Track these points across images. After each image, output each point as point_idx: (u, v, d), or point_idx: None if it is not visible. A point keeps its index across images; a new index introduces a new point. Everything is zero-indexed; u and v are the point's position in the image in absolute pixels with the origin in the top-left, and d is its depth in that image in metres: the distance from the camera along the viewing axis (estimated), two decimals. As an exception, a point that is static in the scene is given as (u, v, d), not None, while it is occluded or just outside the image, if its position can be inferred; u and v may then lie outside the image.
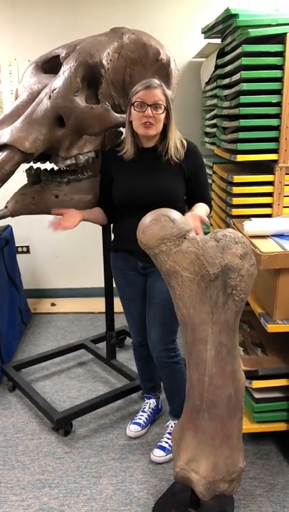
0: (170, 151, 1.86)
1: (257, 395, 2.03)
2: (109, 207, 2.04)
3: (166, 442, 2.14)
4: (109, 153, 2.02)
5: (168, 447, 2.12)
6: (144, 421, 2.27)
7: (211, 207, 1.99)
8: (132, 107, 1.79)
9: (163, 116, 1.81)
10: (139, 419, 2.28)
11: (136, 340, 2.21)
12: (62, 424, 2.23)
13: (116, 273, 2.13)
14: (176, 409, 2.19)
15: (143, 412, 2.32)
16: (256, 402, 2.03)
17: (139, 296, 2.08)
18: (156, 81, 1.81)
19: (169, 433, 2.17)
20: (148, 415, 2.30)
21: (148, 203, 1.77)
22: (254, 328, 2.36)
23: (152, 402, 2.35)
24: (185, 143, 1.91)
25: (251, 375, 1.99)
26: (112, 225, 2.16)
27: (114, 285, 2.30)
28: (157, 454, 2.11)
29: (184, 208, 1.94)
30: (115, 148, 1.98)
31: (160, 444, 2.15)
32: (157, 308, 1.99)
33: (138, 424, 2.26)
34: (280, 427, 2.06)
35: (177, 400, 2.16)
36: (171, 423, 2.21)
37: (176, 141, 1.87)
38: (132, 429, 2.25)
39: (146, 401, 2.36)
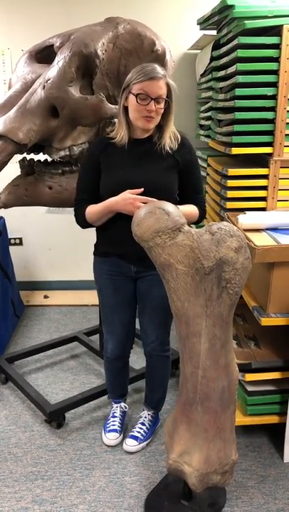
0: (164, 140, 1.78)
1: (250, 388, 2.04)
2: (93, 203, 1.85)
3: (139, 432, 2.14)
4: (97, 143, 1.88)
5: (140, 437, 2.12)
6: (118, 426, 2.18)
7: (204, 211, 1.90)
8: (135, 98, 1.68)
9: (163, 108, 1.74)
10: (113, 425, 2.18)
11: (114, 354, 2.09)
12: (55, 416, 2.23)
13: (101, 279, 1.98)
14: (156, 402, 2.19)
15: (114, 417, 2.21)
16: (249, 395, 2.04)
17: (126, 303, 1.99)
18: (160, 70, 1.69)
19: (142, 423, 2.17)
20: (120, 419, 2.21)
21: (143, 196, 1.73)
22: (247, 322, 2.37)
23: (123, 405, 2.26)
24: (179, 135, 1.83)
25: (244, 368, 2.00)
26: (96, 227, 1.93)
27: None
28: (130, 444, 2.10)
29: (176, 202, 1.82)
30: (105, 136, 1.85)
31: (132, 433, 2.14)
32: (156, 313, 1.96)
33: (115, 431, 2.16)
34: (272, 419, 2.07)
35: (158, 392, 2.17)
36: (146, 413, 2.20)
37: (170, 132, 1.80)
38: (111, 437, 2.14)
39: (115, 405, 2.25)
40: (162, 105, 1.72)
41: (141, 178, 1.77)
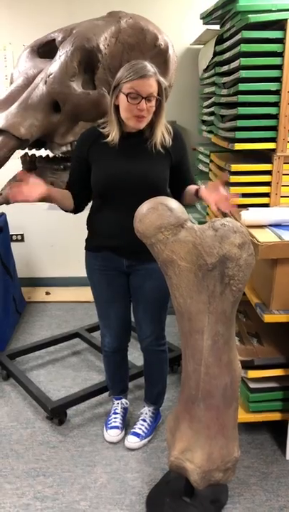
0: (156, 138, 1.76)
1: (252, 385, 2.03)
2: (78, 195, 1.87)
3: (140, 428, 2.13)
4: (87, 134, 1.84)
5: (142, 433, 2.12)
6: (120, 422, 2.18)
7: None
8: (125, 97, 1.65)
9: (154, 107, 1.71)
10: (114, 422, 2.18)
11: (112, 347, 2.09)
12: (56, 413, 2.22)
13: (94, 274, 1.97)
14: (155, 397, 2.19)
15: (115, 414, 2.21)
16: (251, 392, 2.03)
17: (120, 297, 1.98)
18: (150, 68, 1.66)
19: (143, 419, 2.17)
20: (122, 416, 2.21)
21: (134, 190, 1.72)
22: (250, 318, 2.36)
23: (124, 401, 2.25)
24: (171, 129, 1.81)
25: (247, 365, 1.99)
26: (86, 220, 1.96)
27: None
28: (131, 440, 2.10)
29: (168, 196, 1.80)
30: (96, 128, 1.81)
31: (134, 430, 2.14)
32: (149, 307, 1.96)
33: (116, 427, 2.16)
34: (275, 416, 2.07)
35: (157, 387, 2.16)
36: (146, 409, 2.20)
37: (162, 129, 1.78)
38: (113, 434, 2.14)
39: (116, 402, 2.24)
40: (153, 103, 1.69)
41: (132, 170, 1.76)
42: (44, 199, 1.72)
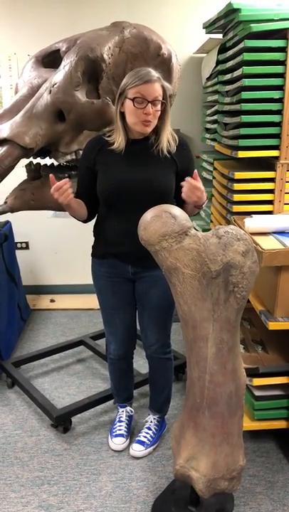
0: (161, 144, 1.78)
1: (257, 393, 2.02)
2: (89, 204, 1.89)
3: (145, 437, 2.12)
4: (93, 142, 1.86)
5: (147, 441, 2.11)
6: (125, 430, 2.17)
7: (206, 197, 1.91)
8: (132, 102, 1.68)
9: (160, 111, 1.74)
10: (119, 430, 2.17)
11: (117, 354, 2.10)
12: (61, 420, 2.22)
13: (99, 281, 1.99)
14: (160, 405, 2.18)
15: (120, 422, 2.21)
16: (256, 400, 2.02)
17: (125, 304, 1.99)
18: (154, 73, 1.70)
19: (148, 428, 2.16)
20: (126, 424, 2.20)
21: (139, 195, 1.74)
22: (254, 326, 2.35)
23: (128, 409, 2.25)
24: (176, 137, 1.83)
25: (251, 373, 1.98)
26: (93, 228, 1.98)
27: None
28: (136, 449, 2.09)
29: (173, 203, 1.81)
30: (102, 136, 1.84)
31: (139, 438, 2.13)
32: (154, 313, 1.96)
33: (121, 435, 2.15)
34: (280, 424, 2.05)
35: (162, 395, 2.16)
36: (151, 417, 2.20)
37: (168, 135, 1.80)
38: (117, 442, 2.14)
39: (121, 410, 2.25)
40: (159, 107, 1.72)
41: (137, 176, 1.78)
42: (66, 205, 1.74)
